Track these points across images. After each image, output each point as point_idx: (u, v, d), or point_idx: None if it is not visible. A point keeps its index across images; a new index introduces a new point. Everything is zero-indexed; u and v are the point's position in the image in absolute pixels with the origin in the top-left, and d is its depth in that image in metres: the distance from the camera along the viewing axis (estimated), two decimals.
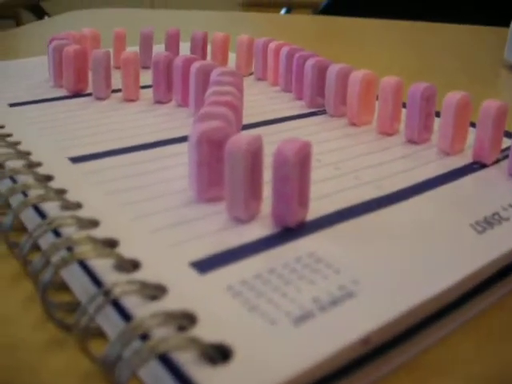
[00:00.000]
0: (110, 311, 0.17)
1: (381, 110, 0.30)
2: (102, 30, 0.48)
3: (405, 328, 0.17)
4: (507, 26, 0.59)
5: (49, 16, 1.80)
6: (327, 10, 1.05)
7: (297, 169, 0.20)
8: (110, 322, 0.17)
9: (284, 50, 0.38)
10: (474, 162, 0.27)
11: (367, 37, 0.74)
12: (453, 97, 0.27)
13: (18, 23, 2.82)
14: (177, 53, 0.45)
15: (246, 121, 0.32)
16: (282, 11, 1.84)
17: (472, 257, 0.19)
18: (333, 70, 0.33)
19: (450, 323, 0.18)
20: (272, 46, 0.40)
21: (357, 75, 0.31)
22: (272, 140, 0.29)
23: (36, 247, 0.20)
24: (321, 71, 0.34)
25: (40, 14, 1.77)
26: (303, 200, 0.21)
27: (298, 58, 0.36)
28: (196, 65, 0.33)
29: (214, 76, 0.31)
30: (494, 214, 0.22)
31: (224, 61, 0.44)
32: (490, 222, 0.22)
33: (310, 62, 0.34)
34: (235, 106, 0.26)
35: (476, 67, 0.56)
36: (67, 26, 0.79)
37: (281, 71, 0.38)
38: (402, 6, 1.04)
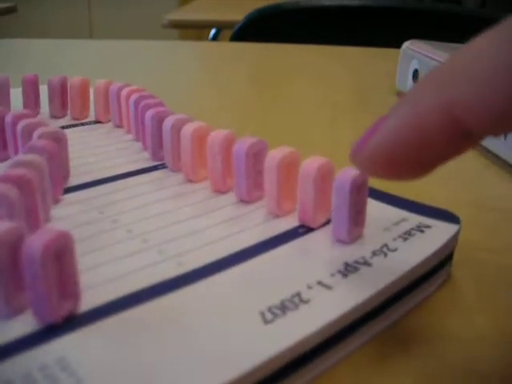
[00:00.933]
0: None
1: (211, 167, 0.28)
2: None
3: None
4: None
5: None
6: (240, 34, 1.03)
7: (48, 265, 0.18)
8: None
9: (132, 98, 0.35)
10: (301, 226, 0.26)
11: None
12: (275, 155, 0.26)
13: None
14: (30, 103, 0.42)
15: (77, 181, 0.30)
16: (212, 32, 1.82)
17: (246, 356, 0.17)
18: (168, 122, 0.31)
19: None
20: (124, 92, 0.37)
21: (187, 129, 0.29)
22: (101, 203, 0.27)
23: None
24: (160, 123, 0.32)
25: None
26: (66, 292, 0.19)
27: (143, 108, 0.34)
28: (22, 124, 0.30)
29: (34, 138, 0.29)
30: (293, 296, 0.20)
31: (84, 107, 0.42)
32: (285, 307, 0.20)
33: (149, 113, 0.32)
34: (28, 181, 0.23)
35: (368, 94, 0.55)
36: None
37: (131, 120, 0.36)
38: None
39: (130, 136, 0.37)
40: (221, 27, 1.79)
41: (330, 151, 0.37)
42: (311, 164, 0.24)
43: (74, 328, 0.18)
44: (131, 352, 0.17)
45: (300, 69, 0.69)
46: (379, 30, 1.04)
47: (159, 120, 0.32)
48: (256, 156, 0.27)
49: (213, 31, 1.84)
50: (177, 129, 0.30)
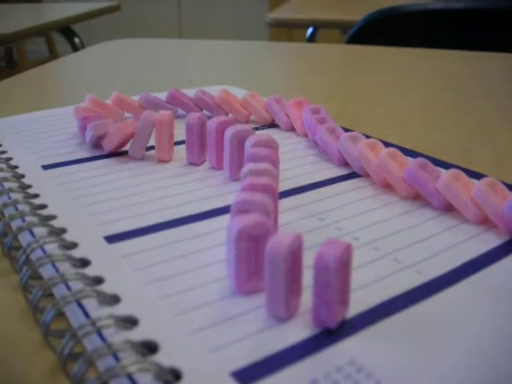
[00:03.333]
0: None
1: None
2: (135, 60, 0.48)
3: None
4: None
5: (79, 37, 1.82)
6: (357, 36, 1.04)
7: (339, 274, 0.20)
8: None
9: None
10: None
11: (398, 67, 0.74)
12: None
13: (49, 42, 2.88)
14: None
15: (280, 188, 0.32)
16: (309, 31, 1.84)
17: None
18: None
19: None
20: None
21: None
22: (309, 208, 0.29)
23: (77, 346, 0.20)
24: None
25: (70, 35, 1.79)
26: (344, 300, 0.21)
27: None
28: (231, 130, 0.32)
29: (248, 146, 0.31)
30: None
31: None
32: None
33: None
34: (272, 189, 0.26)
35: (507, 103, 0.56)
36: (102, 56, 0.80)
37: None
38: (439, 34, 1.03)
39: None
40: (322, 27, 1.80)
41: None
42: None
43: (349, 333, 0.20)
44: (417, 354, 0.19)
45: (427, 75, 0.69)
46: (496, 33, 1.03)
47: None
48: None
49: (310, 30, 1.85)
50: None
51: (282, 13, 1.74)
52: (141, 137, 0.36)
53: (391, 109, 0.53)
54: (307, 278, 0.22)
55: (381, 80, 0.66)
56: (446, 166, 0.35)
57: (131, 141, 0.36)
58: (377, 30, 1.04)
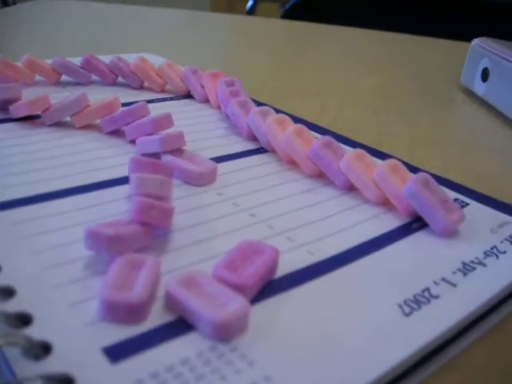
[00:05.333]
0: None
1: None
2: (62, 22, 0.46)
3: None
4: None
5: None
6: (293, 10, 1.03)
7: None
8: None
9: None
10: (413, 221, 0.27)
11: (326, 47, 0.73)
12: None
13: None
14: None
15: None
16: (249, 3, 1.82)
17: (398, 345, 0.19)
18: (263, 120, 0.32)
19: None
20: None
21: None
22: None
23: None
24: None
25: None
26: None
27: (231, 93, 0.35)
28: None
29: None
30: (423, 291, 0.22)
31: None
32: (418, 301, 0.21)
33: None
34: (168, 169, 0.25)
35: (432, 88, 0.56)
36: (30, 16, 0.78)
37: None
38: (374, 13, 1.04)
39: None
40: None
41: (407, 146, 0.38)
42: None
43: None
44: (290, 339, 0.19)
45: (356, 55, 0.70)
46: (446, 21, 1.03)
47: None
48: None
49: (250, 3, 1.84)
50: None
51: None
52: (63, 111, 0.34)
53: (312, 86, 0.53)
54: None
55: (308, 57, 0.66)
56: (356, 145, 0.35)
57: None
58: (311, 8, 1.03)
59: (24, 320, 0.19)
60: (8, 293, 0.20)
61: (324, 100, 0.48)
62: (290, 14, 1.03)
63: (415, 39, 0.81)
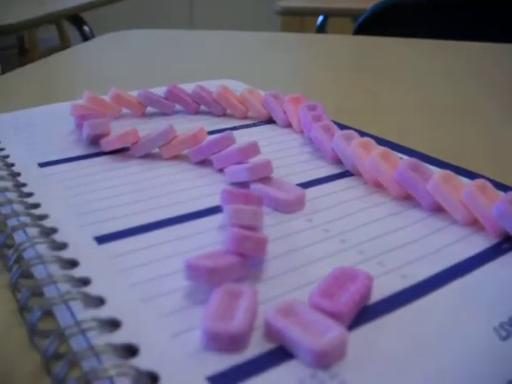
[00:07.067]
0: None
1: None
2: (145, 51, 0.48)
3: None
4: None
5: (88, 26, 1.83)
6: (364, 26, 1.04)
7: None
8: None
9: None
10: (502, 241, 0.27)
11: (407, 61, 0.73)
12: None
13: (60, 30, 2.88)
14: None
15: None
16: (319, 19, 1.83)
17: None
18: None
19: None
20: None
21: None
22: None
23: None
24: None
25: (80, 23, 1.80)
26: None
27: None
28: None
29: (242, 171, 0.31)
30: None
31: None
32: None
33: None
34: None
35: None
36: (112, 47, 0.81)
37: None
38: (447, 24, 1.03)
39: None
40: (332, 15, 1.79)
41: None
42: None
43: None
44: (399, 360, 0.19)
45: (432, 67, 0.69)
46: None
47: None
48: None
49: (320, 18, 1.85)
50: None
51: (292, 1, 1.74)
52: (152, 144, 0.36)
53: (391, 103, 0.53)
54: None
55: (384, 74, 0.66)
56: (442, 164, 0.35)
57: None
58: (384, 20, 1.03)
59: (130, 351, 0.20)
60: (114, 325, 0.21)
61: (404, 117, 0.48)
62: (363, 29, 1.03)
63: (484, 46, 0.80)
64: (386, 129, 0.45)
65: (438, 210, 0.30)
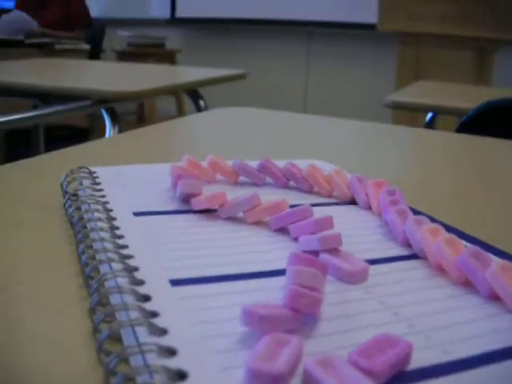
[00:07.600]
0: None
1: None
2: (246, 128, 0.51)
3: None
4: None
5: (203, 100, 1.93)
6: (467, 126, 1.05)
7: None
8: None
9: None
10: None
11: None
12: None
13: (178, 102, 3.05)
14: None
15: None
16: (428, 115, 1.85)
17: None
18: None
19: None
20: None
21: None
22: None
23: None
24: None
25: (195, 97, 1.91)
26: None
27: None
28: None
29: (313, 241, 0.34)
30: None
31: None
32: None
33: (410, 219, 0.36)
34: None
35: None
36: (218, 120, 0.86)
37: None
38: None
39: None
40: (440, 112, 1.81)
41: None
42: None
43: None
44: None
45: None
46: None
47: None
48: None
49: (429, 115, 1.87)
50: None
51: (402, 96, 1.77)
52: (237, 207, 0.39)
53: (473, 200, 0.54)
54: None
55: (474, 172, 0.67)
56: (503, 255, 0.36)
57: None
58: (485, 122, 1.04)
59: (181, 376, 0.22)
60: (171, 352, 0.24)
61: (484, 214, 0.50)
62: (466, 128, 1.04)
63: None
64: (464, 220, 0.46)
65: (494, 297, 0.31)
